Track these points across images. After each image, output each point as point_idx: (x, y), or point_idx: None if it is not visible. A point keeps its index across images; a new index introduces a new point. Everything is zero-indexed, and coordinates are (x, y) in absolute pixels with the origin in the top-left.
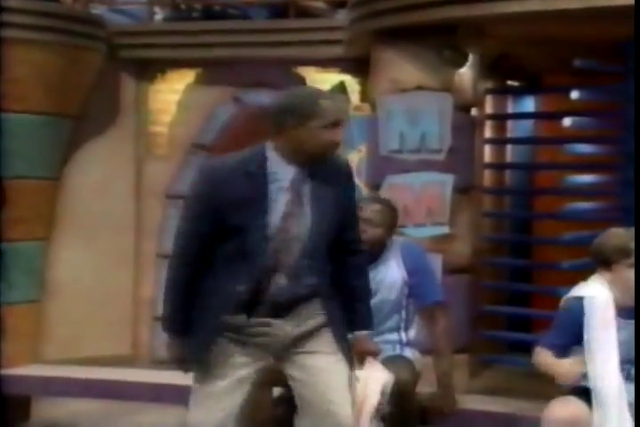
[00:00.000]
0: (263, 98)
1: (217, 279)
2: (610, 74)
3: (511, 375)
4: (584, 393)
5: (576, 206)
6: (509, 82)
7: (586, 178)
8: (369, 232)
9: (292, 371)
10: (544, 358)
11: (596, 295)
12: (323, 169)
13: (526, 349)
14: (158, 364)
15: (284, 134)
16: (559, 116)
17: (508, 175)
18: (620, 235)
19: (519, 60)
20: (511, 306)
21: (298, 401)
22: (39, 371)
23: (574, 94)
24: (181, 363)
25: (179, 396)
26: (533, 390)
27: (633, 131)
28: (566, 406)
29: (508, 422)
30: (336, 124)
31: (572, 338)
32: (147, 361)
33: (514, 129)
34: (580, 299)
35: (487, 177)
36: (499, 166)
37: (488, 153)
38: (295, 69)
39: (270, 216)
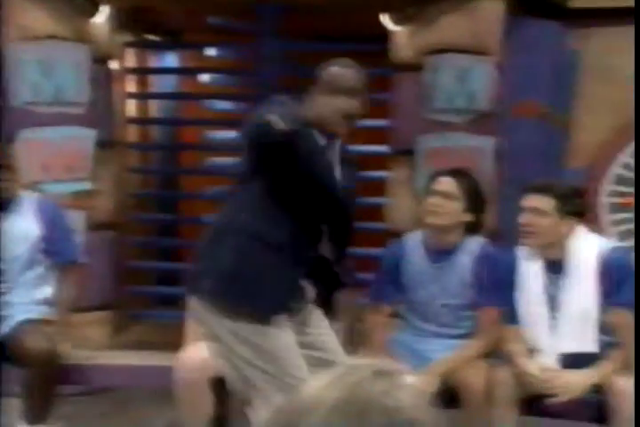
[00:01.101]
0: None
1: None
2: (244, 32)
3: (159, 329)
4: None
5: (218, 162)
6: (150, 36)
7: (226, 134)
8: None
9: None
10: None
11: None
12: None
13: (174, 302)
14: None
15: (313, 98)
16: (198, 72)
17: (154, 130)
18: None
19: (158, 15)
20: (160, 261)
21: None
22: None
23: (210, 51)
24: None
25: None
26: (180, 342)
27: (268, 89)
28: (197, 351)
29: (157, 374)
30: (345, 92)
31: None
32: None
33: (157, 84)
34: None
35: (132, 132)
36: (142, 121)
37: (131, 107)
38: None
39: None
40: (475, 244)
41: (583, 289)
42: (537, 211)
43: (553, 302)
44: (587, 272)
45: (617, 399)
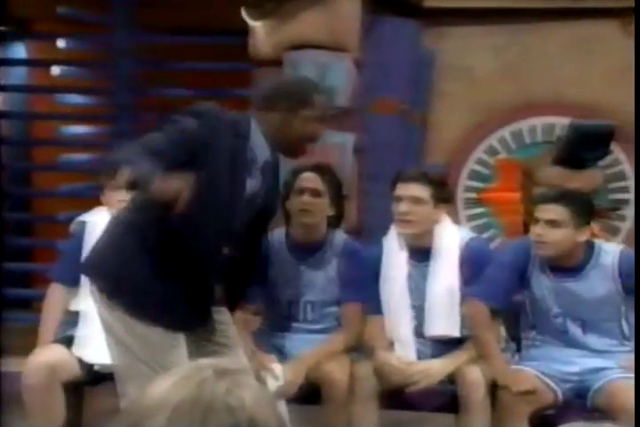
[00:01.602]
0: None
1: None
2: (97, 24)
3: (11, 333)
4: (69, 341)
5: (71, 158)
6: None
7: (80, 129)
8: None
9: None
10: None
11: (98, 220)
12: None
13: (26, 304)
14: None
15: (272, 115)
16: (48, 64)
17: (3, 125)
18: None
19: (4, 2)
20: (11, 261)
21: None
22: None
23: (61, 43)
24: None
25: None
26: (32, 346)
27: (123, 83)
28: (46, 353)
29: (8, 381)
30: (324, 118)
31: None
32: None
33: (5, 76)
34: (83, 223)
35: None
36: None
37: None
38: None
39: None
40: (338, 239)
41: (448, 276)
42: (415, 199)
43: (417, 291)
44: (451, 259)
45: (467, 389)
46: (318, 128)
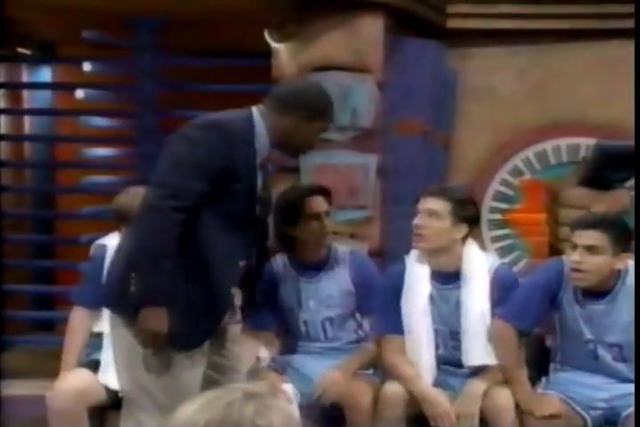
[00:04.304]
0: None
1: (217, 251)
2: (121, 47)
3: (34, 356)
4: (95, 365)
5: (95, 180)
6: (21, 49)
7: (104, 151)
8: None
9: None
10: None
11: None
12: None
13: (50, 327)
14: None
15: (285, 119)
16: (74, 87)
17: (27, 147)
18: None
19: (30, 27)
20: (34, 284)
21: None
22: None
23: (87, 66)
24: (160, 339)
25: None
26: (56, 370)
27: (147, 105)
28: (74, 378)
29: (32, 404)
30: (327, 118)
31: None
32: None
33: (31, 99)
34: (103, 246)
35: (4, 149)
36: (15, 138)
37: (4, 124)
38: None
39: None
40: (342, 251)
41: (481, 302)
42: (432, 213)
43: (438, 315)
44: (483, 285)
45: (496, 414)
46: (320, 138)
